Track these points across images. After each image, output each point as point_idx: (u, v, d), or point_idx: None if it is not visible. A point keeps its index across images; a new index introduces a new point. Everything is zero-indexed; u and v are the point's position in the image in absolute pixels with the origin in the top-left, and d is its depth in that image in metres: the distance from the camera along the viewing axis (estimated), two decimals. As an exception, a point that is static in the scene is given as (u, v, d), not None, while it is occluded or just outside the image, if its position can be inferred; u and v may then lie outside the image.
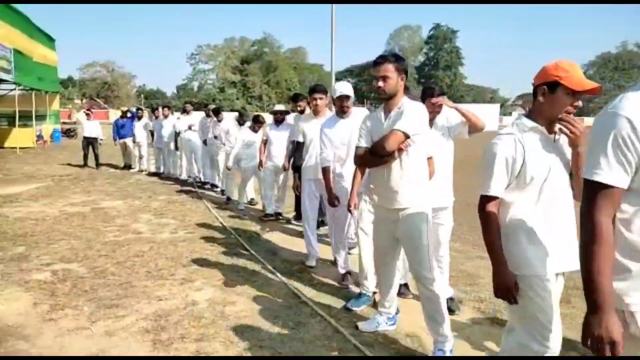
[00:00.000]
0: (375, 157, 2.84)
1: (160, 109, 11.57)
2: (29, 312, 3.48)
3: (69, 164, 13.13)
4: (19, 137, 17.55)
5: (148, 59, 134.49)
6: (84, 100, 58.49)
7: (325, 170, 4.01)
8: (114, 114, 41.73)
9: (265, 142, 6.70)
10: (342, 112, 4.01)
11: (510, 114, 72.41)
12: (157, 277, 4.24)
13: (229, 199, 8.03)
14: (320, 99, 4.49)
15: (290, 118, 6.68)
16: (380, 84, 2.76)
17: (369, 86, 79.38)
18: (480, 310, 3.64)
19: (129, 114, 12.72)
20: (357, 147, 3.00)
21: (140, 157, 12.14)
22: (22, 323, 3.31)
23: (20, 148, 16.75)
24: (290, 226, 6.39)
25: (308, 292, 3.94)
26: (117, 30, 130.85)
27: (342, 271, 4.21)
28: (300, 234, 5.81)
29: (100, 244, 5.29)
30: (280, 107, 6.84)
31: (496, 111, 49.28)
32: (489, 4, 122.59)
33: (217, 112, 8.69)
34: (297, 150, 4.78)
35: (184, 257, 4.86)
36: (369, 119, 3.00)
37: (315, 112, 4.58)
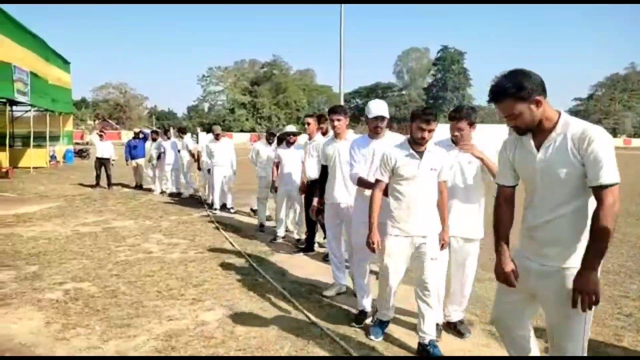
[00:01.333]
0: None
1: (173, 131, 11.97)
2: (41, 331, 3.52)
3: (81, 184, 13.30)
4: (33, 157, 17.87)
5: (160, 81, 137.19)
6: (97, 121, 59.52)
7: (359, 179, 3.71)
8: (126, 135, 42.40)
9: (278, 164, 6.68)
10: (375, 133, 3.75)
11: (519, 134, 72.34)
12: (167, 297, 4.27)
13: (262, 226, 7.50)
14: (338, 120, 4.27)
15: (301, 139, 6.76)
16: (511, 123, 2.15)
17: (377, 107, 79.87)
18: (491, 333, 3.61)
19: (141, 135, 12.99)
20: (499, 186, 2.39)
21: (157, 178, 12.28)
22: (35, 342, 3.35)
23: (33, 168, 17.02)
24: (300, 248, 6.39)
25: (317, 313, 3.94)
26: (129, 53, 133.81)
27: (364, 308, 3.83)
28: (310, 256, 5.85)
29: (112, 263, 5.34)
30: (291, 128, 6.85)
31: (505, 132, 49.26)
32: (496, 23, 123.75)
33: (272, 135, 7.88)
34: (322, 174, 4.54)
35: (194, 277, 4.89)
36: (511, 146, 2.30)
37: (336, 135, 4.39)
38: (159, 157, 11.84)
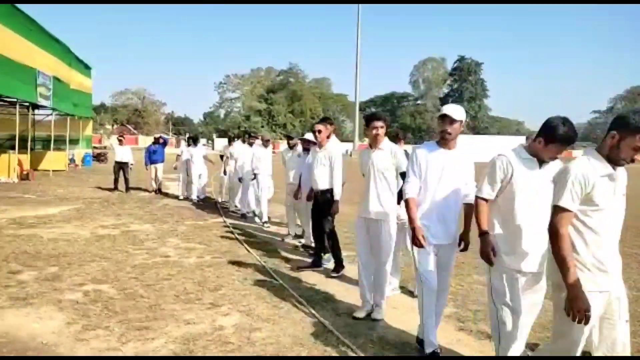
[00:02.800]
0: None
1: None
2: (62, 331, 3.57)
3: (100, 187, 13.51)
4: (53, 160, 18.22)
5: (177, 87, 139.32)
6: (115, 126, 60.50)
7: (410, 202, 3.30)
8: (143, 140, 43.10)
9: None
10: (443, 139, 3.29)
11: (536, 146, 71.53)
12: (185, 301, 4.31)
13: (287, 234, 7.54)
14: (382, 127, 4.00)
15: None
16: None
17: (392, 116, 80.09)
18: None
19: (161, 140, 13.17)
20: None
21: (184, 184, 12.19)
22: (56, 342, 3.40)
23: (53, 171, 17.34)
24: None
25: (333, 321, 3.93)
26: (149, 59, 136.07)
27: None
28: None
29: (130, 266, 5.41)
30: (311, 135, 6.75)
31: (521, 142, 48.82)
32: (514, 34, 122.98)
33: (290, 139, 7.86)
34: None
35: (211, 281, 4.92)
36: None
37: (372, 143, 4.11)
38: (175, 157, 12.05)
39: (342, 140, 54.13)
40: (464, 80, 79.45)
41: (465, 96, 78.13)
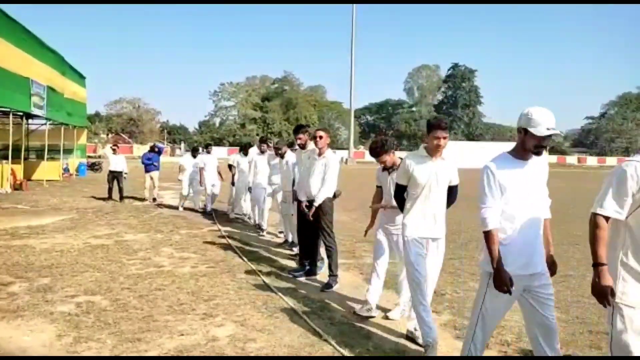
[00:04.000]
0: None
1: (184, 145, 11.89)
2: (53, 344, 3.51)
3: (94, 197, 13.42)
4: (47, 170, 18.10)
5: (172, 96, 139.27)
6: (110, 135, 60.31)
7: (493, 235, 2.59)
8: (138, 149, 42.90)
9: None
10: (537, 154, 2.66)
11: (530, 152, 71.80)
12: (178, 312, 4.25)
13: (286, 241, 7.50)
14: (445, 138, 3.47)
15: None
16: None
17: (387, 123, 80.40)
18: (507, 354, 3.54)
19: (156, 149, 13.11)
20: None
21: (193, 195, 11.79)
22: (47, 355, 3.34)
23: (47, 180, 17.22)
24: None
25: (329, 330, 3.89)
26: (143, 68, 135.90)
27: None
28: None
29: (123, 276, 5.35)
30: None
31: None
32: (507, 41, 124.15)
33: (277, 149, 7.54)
34: (398, 195, 3.80)
35: (205, 291, 4.87)
36: None
37: (435, 151, 3.53)
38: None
39: (337, 148, 54.43)
40: (458, 88, 79.83)
41: (459, 103, 78.53)
